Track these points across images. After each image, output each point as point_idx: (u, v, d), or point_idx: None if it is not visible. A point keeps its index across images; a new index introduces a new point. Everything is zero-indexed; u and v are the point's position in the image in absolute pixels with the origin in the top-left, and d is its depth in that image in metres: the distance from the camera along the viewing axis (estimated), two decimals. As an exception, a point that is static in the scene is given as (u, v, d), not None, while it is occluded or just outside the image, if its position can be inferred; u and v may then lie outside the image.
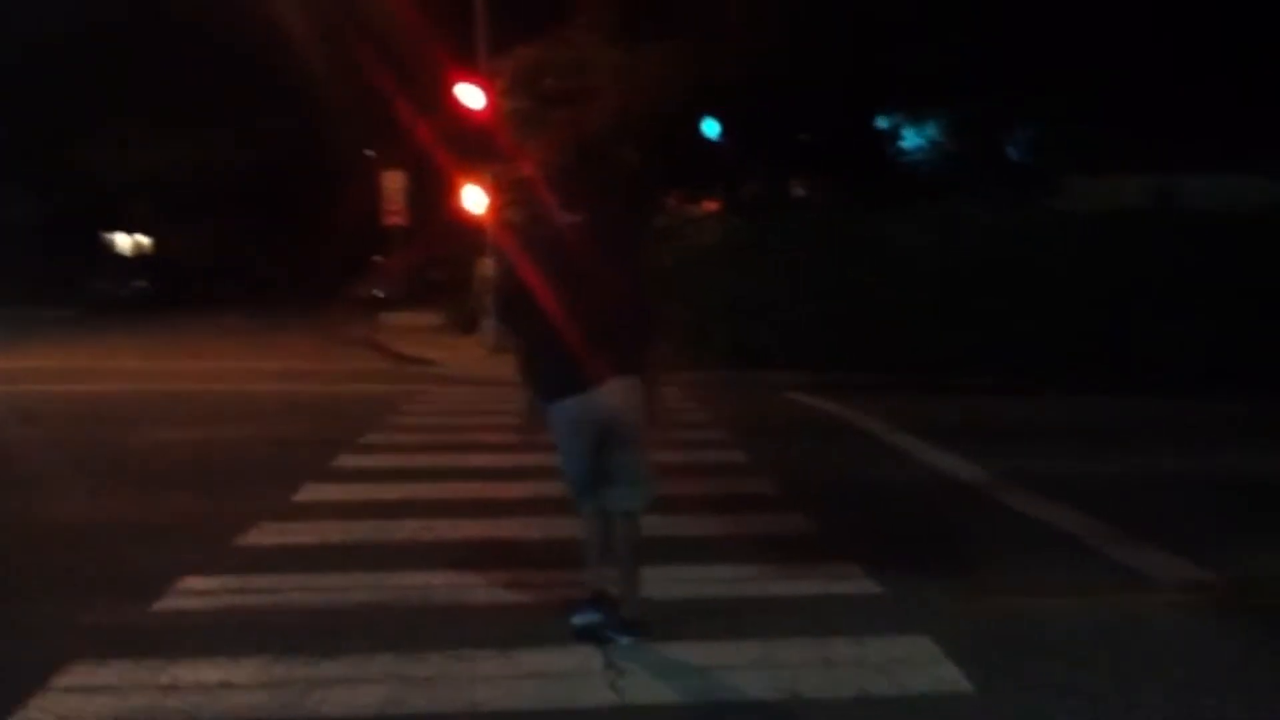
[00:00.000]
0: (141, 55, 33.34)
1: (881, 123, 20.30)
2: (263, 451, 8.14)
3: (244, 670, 3.68)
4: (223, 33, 32.14)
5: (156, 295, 32.25)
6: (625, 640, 3.90)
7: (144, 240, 43.01)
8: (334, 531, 5.53)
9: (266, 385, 12.66)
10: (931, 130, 20.20)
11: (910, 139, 20.39)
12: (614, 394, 3.77)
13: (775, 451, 8.14)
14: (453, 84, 16.28)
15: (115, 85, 33.11)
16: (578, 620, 4.03)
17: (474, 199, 17.99)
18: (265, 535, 5.48)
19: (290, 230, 45.79)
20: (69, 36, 30.82)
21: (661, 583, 4.50)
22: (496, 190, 16.59)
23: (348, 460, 7.57)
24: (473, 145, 17.25)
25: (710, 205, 16.55)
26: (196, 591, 4.56)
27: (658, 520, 5.39)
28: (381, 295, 33.04)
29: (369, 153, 38.76)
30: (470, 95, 15.97)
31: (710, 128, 16.86)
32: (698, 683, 3.65)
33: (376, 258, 38.67)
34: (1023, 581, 4.85)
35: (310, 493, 6.47)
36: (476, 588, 4.65)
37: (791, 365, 13.11)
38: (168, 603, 4.42)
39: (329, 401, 11.31)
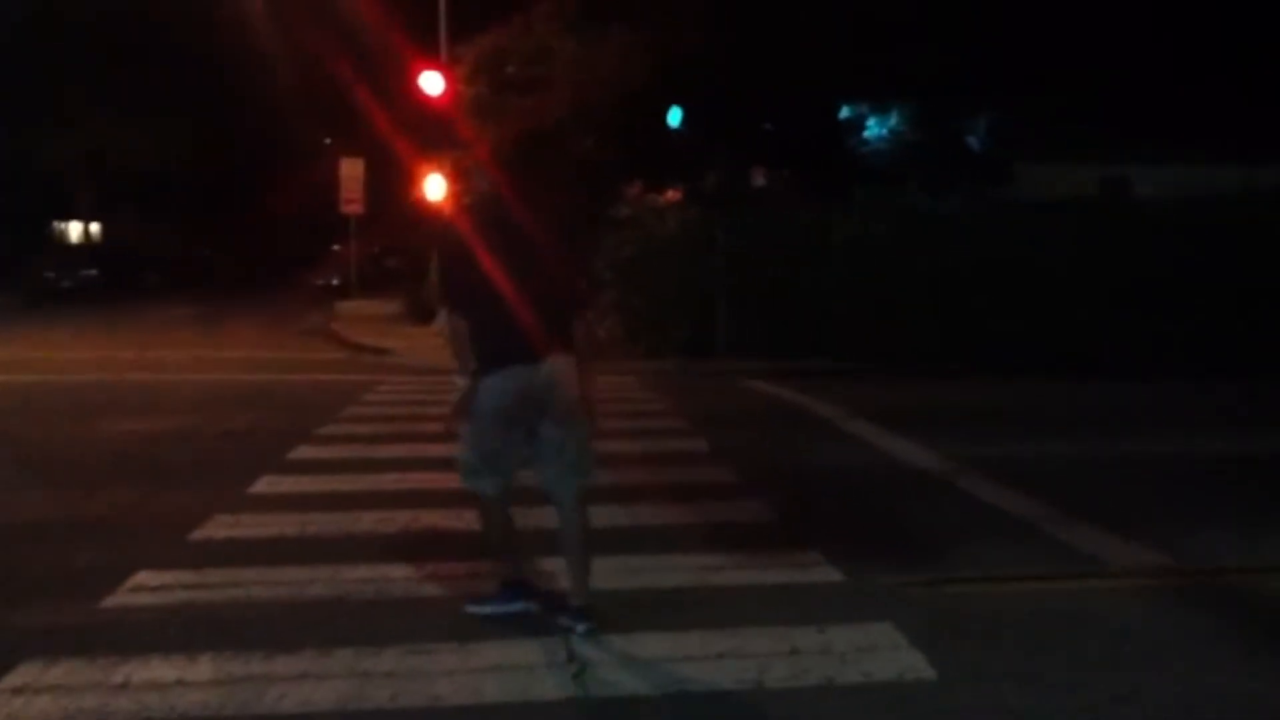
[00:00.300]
0: (94, 42, 32.73)
1: (845, 112, 20.36)
2: (218, 443, 8.01)
3: (199, 668, 3.60)
4: (177, 19, 31.62)
5: (108, 285, 31.77)
6: (581, 628, 3.87)
7: (95, 229, 42.29)
8: (290, 524, 5.45)
9: (221, 375, 12.48)
10: (894, 120, 20.30)
11: (873, 129, 20.48)
12: (556, 370, 3.88)
13: (735, 440, 8.14)
14: (413, 71, 16.12)
15: (66, 73, 32.49)
16: (472, 608, 4.08)
17: (433, 187, 17.83)
18: (220, 529, 5.38)
19: (247, 219, 45.24)
20: (18, 25, 30.17)
21: (623, 573, 4.48)
22: (455, 177, 16.45)
23: (305, 451, 7.47)
24: (432, 133, 17.11)
25: (673, 195, 16.52)
26: (149, 587, 4.46)
27: (618, 510, 5.39)
28: (336, 283, 32.76)
29: (327, 140, 38.37)
30: (431, 82, 15.82)
31: (674, 116, 16.82)
32: (661, 674, 3.62)
33: (334, 246, 38.33)
34: (983, 567, 4.87)
35: (266, 485, 6.38)
36: (435, 580, 4.59)
37: (751, 354, 13.11)
38: (119, 599, 4.32)
39: (285, 391, 11.16)
